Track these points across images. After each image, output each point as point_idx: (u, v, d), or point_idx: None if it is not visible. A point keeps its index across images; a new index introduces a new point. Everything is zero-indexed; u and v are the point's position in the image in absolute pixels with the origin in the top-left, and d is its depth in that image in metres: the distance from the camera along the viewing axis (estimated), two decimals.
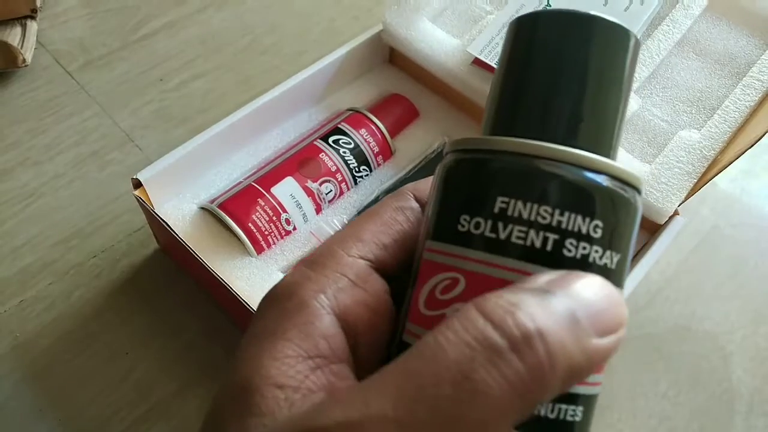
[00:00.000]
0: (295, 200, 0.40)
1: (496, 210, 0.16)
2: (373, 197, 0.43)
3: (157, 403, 0.39)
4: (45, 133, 0.50)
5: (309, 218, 0.41)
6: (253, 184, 0.40)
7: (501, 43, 0.19)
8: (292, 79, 0.44)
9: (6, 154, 0.48)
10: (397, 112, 0.47)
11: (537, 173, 0.16)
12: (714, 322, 0.46)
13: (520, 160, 0.16)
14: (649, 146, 0.43)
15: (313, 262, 0.18)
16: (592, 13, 0.17)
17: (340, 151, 0.42)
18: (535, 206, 0.15)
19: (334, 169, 0.42)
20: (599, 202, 0.16)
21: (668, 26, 0.44)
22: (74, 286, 0.43)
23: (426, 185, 0.20)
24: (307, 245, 0.40)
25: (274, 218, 0.39)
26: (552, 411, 0.15)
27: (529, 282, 0.15)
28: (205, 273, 0.37)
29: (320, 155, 0.42)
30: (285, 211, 0.40)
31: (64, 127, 0.50)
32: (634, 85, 0.43)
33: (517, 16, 0.18)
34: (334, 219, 0.42)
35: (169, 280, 0.43)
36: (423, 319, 0.17)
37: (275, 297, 0.18)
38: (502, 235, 0.16)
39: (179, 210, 0.41)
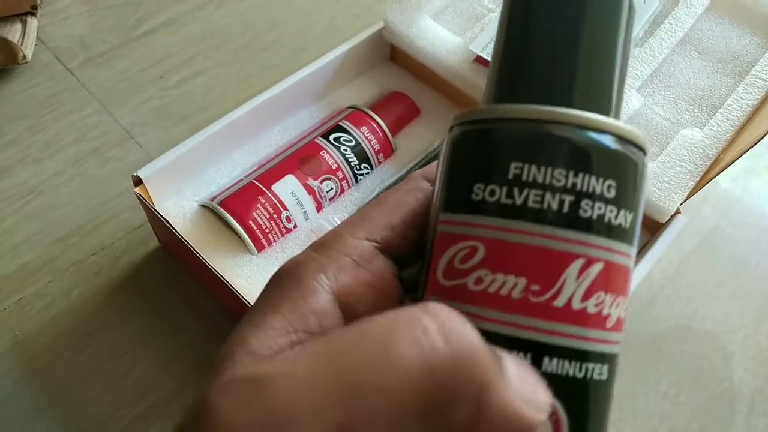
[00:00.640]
0: (295, 198, 0.40)
1: (510, 176, 0.16)
2: (374, 195, 0.43)
3: (156, 401, 0.38)
4: (45, 130, 0.50)
5: (310, 216, 0.41)
6: (253, 181, 0.40)
7: None
8: (293, 77, 0.44)
9: (6, 151, 0.48)
10: (399, 110, 0.47)
11: (548, 137, 0.16)
12: (715, 321, 0.46)
13: (530, 126, 0.16)
14: (651, 145, 0.43)
15: (319, 244, 0.18)
16: None
17: (341, 149, 0.42)
18: (549, 169, 0.16)
19: (335, 166, 0.42)
20: (610, 162, 0.16)
21: (670, 24, 0.44)
22: (74, 284, 0.42)
23: (435, 168, 0.20)
24: (307, 243, 0.40)
25: (275, 216, 0.39)
26: (580, 370, 0.15)
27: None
28: (205, 271, 0.37)
29: (321, 153, 0.42)
30: (286, 208, 0.40)
31: (64, 124, 0.50)
32: (636, 83, 0.43)
33: None
34: (335, 217, 0.42)
35: (169, 277, 0.43)
36: (442, 290, 0.17)
37: (278, 275, 0.18)
38: (519, 201, 0.16)
39: (180, 207, 0.40)
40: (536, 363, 0.15)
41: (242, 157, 0.44)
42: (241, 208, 0.39)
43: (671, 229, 0.40)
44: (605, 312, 0.16)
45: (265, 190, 0.39)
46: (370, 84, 0.49)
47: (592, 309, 0.16)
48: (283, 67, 0.55)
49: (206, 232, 0.40)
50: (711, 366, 0.44)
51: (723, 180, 0.53)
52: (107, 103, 0.52)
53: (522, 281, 0.15)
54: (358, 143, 0.43)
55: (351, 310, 0.17)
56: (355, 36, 0.47)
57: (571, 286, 0.15)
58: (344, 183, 0.42)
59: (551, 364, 0.15)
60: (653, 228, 0.41)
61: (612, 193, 0.16)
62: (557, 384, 0.15)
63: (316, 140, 0.42)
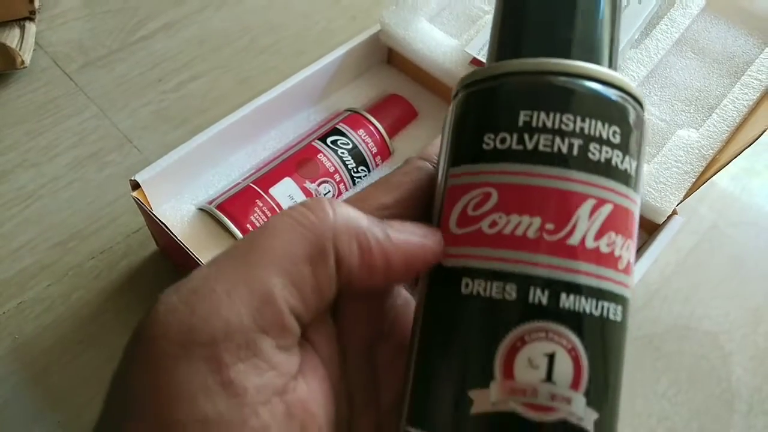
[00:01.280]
0: (293, 201, 0.40)
1: (520, 123, 0.17)
2: None
3: None
4: (43, 135, 0.50)
5: None
6: (251, 185, 0.40)
7: None
8: (290, 80, 0.44)
9: (4, 156, 0.48)
10: (396, 113, 0.47)
11: (555, 87, 0.17)
12: (713, 321, 0.46)
13: (537, 77, 0.17)
14: (648, 145, 0.43)
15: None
16: None
17: (339, 152, 0.42)
18: (558, 115, 0.16)
19: (332, 169, 0.42)
20: (612, 109, 0.17)
21: (666, 25, 0.44)
22: (73, 288, 0.43)
23: (434, 147, 0.20)
24: None
25: None
26: (596, 308, 0.16)
27: None
28: None
29: (318, 156, 0.42)
30: None
31: (62, 128, 0.50)
32: (633, 84, 0.43)
33: None
34: None
35: (167, 281, 0.43)
36: (455, 239, 0.17)
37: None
38: (530, 146, 0.16)
39: (178, 211, 0.41)
40: (553, 300, 0.16)
41: (240, 160, 0.44)
42: (238, 211, 0.39)
43: (668, 229, 0.40)
44: (617, 253, 0.16)
45: (262, 193, 0.40)
46: (367, 87, 0.49)
47: (604, 248, 0.16)
48: (280, 70, 0.55)
49: (204, 236, 0.40)
50: (709, 366, 0.44)
51: (720, 180, 0.53)
52: (105, 108, 0.52)
53: (537, 221, 0.16)
54: (355, 146, 0.43)
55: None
56: (352, 39, 0.47)
57: (584, 226, 0.16)
58: (341, 186, 0.42)
59: (568, 300, 0.16)
60: (650, 229, 0.42)
61: (617, 139, 0.17)
62: (574, 321, 0.16)
63: (313, 143, 0.43)
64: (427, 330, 0.17)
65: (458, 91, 0.19)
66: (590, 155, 0.16)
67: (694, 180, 0.39)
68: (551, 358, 0.15)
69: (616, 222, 0.16)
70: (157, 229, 0.40)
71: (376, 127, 0.44)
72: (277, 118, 0.45)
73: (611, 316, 0.16)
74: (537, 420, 0.15)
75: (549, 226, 0.16)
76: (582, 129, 0.16)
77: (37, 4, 0.53)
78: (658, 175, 0.40)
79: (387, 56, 0.51)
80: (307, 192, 0.41)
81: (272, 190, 0.40)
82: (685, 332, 0.45)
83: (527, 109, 0.17)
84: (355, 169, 0.43)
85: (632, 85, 0.17)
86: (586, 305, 0.16)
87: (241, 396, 0.14)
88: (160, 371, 0.14)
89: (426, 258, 0.17)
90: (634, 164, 0.17)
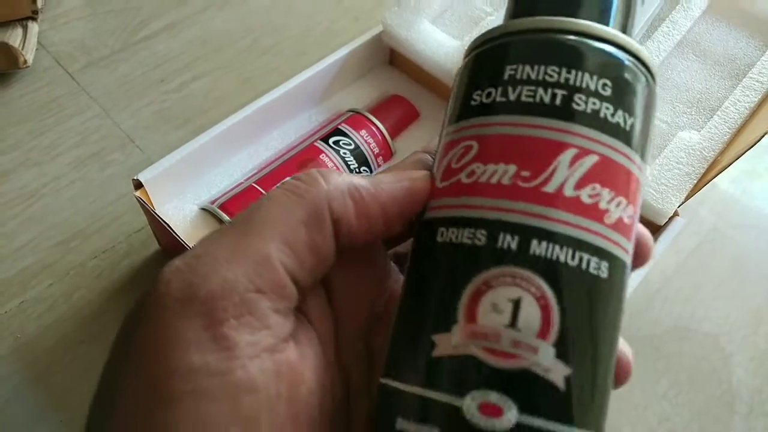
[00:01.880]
0: None
1: (505, 77, 0.17)
2: None
3: None
4: (46, 134, 0.50)
5: None
6: (253, 185, 0.40)
7: None
8: (292, 80, 0.44)
9: (7, 155, 0.48)
10: (398, 113, 0.47)
11: (540, 41, 0.17)
12: (714, 322, 0.46)
13: (524, 36, 0.17)
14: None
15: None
16: None
17: (341, 152, 0.42)
18: (542, 67, 0.16)
19: (334, 170, 0.42)
20: (602, 62, 0.17)
21: (668, 27, 0.45)
22: (75, 287, 0.43)
23: (436, 142, 0.21)
24: None
25: None
26: (573, 258, 0.15)
27: None
28: None
29: (320, 156, 0.42)
30: None
31: (65, 128, 0.50)
32: None
33: None
34: None
35: None
36: (438, 192, 0.17)
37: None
38: (512, 96, 0.17)
39: (180, 211, 0.41)
40: (524, 246, 0.15)
41: (242, 160, 0.44)
42: (241, 211, 0.39)
43: (669, 231, 0.40)
44: (602, 206, 0.16)
45: (265, 193, 0.40)
46: (369, 87, 0.49)
47: (586, 199, 0.16)
48: (282, 70, 0.56)
49: None
50: (710, 367, 0.44)
51: (721, 182, 0.53)
52: (108, 107, 0.52)
53: (512, 168, 0.16)
54: (357, 146, 0.43)
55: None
56: (354, 40, 0.47)
57: (563, 174, 0.16)
58: None
59: (540, 247, 0.15)
60: (651, 230, 0.42)
61: (608, 92, 0.16)
62: (546, 268, 0.15)
63: (315, 143, 0.43)
64: (406, 283, 0.17)
65: (459, 67, 0.19)
66: (575, 105, 0.16)
67: (695, 182, 0.39)
68: (516, 303, 0.15)
69: (602, 174, 0.16)
70: (159, 228, 0.40)
71: (378, 128, 0.44)
72: (279, 119, 0.45)
73: (592, 270, 0.16)
74: (497, 366, 0.14)
75: (524, 173, 0.16)
76: (567, 80, 0.16)
77: (39, 3, 0.53)
78: (659, 177, 0.40)
79: (389, 57, 0.51)
80: None
81: None
82: (685, 333, 0.45)
83: (512, 64, 0.17)
84: (357, 170, 0.43)
85: (631, 43, 0.17)
86: (561, 254, 0.15)
87: (231, 350, 0.14)
88: (159, 324, 0.15)
89: (415, 198, 0.18)
90: (630, 120, 0.17)
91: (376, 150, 0.44)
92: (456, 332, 0.15)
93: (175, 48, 0.56)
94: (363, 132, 0.44)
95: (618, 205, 0.16)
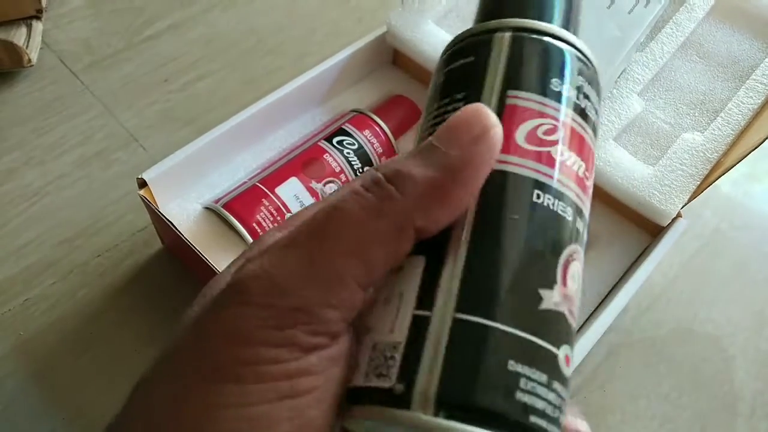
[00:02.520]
0: (299, 201, 0.40)
1: (578, 84, 0.19)
2: None
3: None
4: (50, 133, 0.50)
5: None
6: (257, 184, 0.40)
7: None
8: (296, 80, 0.44)
9: (11, 154, 0.48)
10: (401, 114, 0.47)
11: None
12: (716, 324, 0.46)
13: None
14: (653, 148, 0.43)
15: None
16: None
17: (344, 152, 0.43)
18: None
19: (338, 169, 0.42)
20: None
21: (672, 29, 0.45)
22: (78, 286, 0.43)
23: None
24: None
25: (279, 218, 0.40)
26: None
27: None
28: (209, 273, 0.37)
29: (324, 156, 0.42)
30: (289, 211, 0.40)
31: (68, 126, 0.50)
32: (638, 87, 0.43)
33: None
34: None
35: (173, 279, 0.43)
36: (525, 152, 0.18)
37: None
38: (581, 105, 0.19)
39: (184, 210, 0.41)
40: (585, 232, 0.19)
41: (246, 160, 0.44)
42: (244, 210, 0.39)
43: (672, 232, 0.40)
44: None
45: (268, 192, 0.40)
46: (372, 88, 0.49)
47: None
48: (286, 70, 0.56)
49: (210, 235, 0.40)
50: (712, 369, 0.44)
51: (724, 184, 0.53)
52: (112, 107, 0.52)
53: (583, 165, 0.19)
54: (360, 146, 0.43)
55: None
56: (358, 40, 0.47)
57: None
58: None
59: (587, 231, 0.19)
60: (654, 231, 0.42)
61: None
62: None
63: (319, 143, 0.43)
64: (487, 224, 0.18)
65: (502, 29, 0.20)
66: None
67: (698, 183, 0.40)
68: (580, 277, 0.18)
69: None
70: (163, 227, 0.40)
71: (381, 128, 0.44)
72: (283, 118, 0.45)
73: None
74: (574, 326, 0.18)
75: (587, 173, 0.19)
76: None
77: (44, 2, 0.53)
78: (662, 178, 0.40)
79: (393, 57, 0.51)
80: (312, 192, 0.41)
81: (278, 190, 0.40)
82: (688, 335, 0.45)
83: (582, 78, 0.19)
84: (360, 170, 0.43)
85: (563, 32, 0.19)
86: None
87: (295, 345, 0.16)
88: (237, 316, 0.16)
89: (491, 158, 0.18)
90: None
91: (380, 150, 0.44)
92: (556, 291, 0.17)
93: (180, 48, 0.56)
94: (367, 132, 0.44)
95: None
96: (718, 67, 0.45)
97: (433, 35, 0.46)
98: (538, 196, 0.18)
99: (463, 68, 0.20)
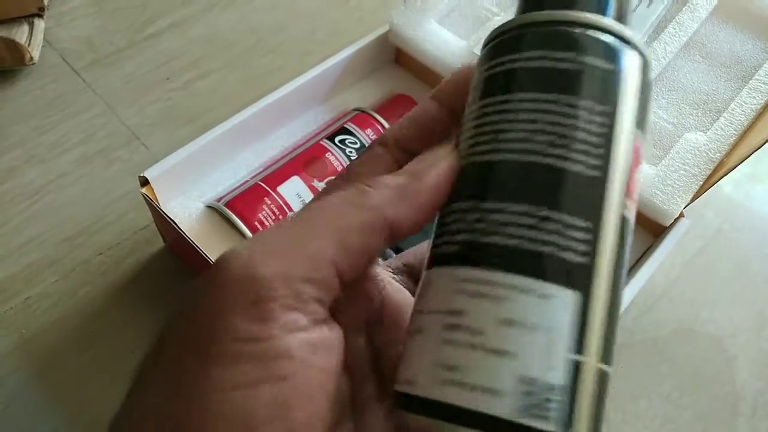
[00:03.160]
0: (301, 199, 0.40)
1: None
2: None
3: None
4: (51, 131, 0.50)
5: None
6: (259, 183, 0.40)
7: None
8: (298, 79, 0.44)
9: (12, 152, 0.48)
10: (403, 112, 0.46)
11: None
12: (718, 324, 0.46)
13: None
14: (655, 148, 0.43)
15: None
16: None
17: (346, 151, 0.42)
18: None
19: (340, 168, 0.42)
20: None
21: (675, 29, 0.45)
22: (80, 284, 0.43)
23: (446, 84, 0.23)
24: None
25: (281, 217, 0.40)
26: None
27: None
28: None
29: (326, 155, 0.42)
30: (291, 209, 0.40)
31: (70, 125, 0.50)
32: None
33: None
34: None
35: (174, 278, 0.43)
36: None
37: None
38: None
39: (186, 208, 0.41)
40: None
41: (248, 158, 0.44)
42: (246, 209, 0.39)
43: (674, 232, 0.40)
44: None
45: (270, 191, 0.40)
46: (374, 86, 0.49)
47: None
48: (288, 69, 0.56)
49: (212, 233, 0.40)
50: (713, 369, 0.44)
51: (726, 184, 0.53)
52: (113, 105, 0.52)
53: None
54: (363, 145, 0.43)
55: None
56: (360, 39, 0.47)
57: None
58: None
59: None
60: (657, 231, 0.42)
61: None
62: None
63: (321, 142, 0.43)
64: (617, 269, 0.19)
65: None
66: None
67: (701, 183, 0.40)
68: None
69: None
70: (164, 225, 0.40)
71: (383, 127, 0.44)
72: (285, 117, 0.45)
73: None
74: None
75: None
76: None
77: (46, 0, 0.53)
78: (665, 178, 0.40)
79: (395, 56, 0.51)
80: (314, 191, 0.41)
81: (280, 189, 0.40)
82: (689, 335, 0.45)
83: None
84: None
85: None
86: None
87: (274, 321, 0.16)
88: (210, 298, 0.16)
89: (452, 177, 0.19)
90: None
91: None
92: None
93: (181, 46, 0.56)
94: (369, 131, 0.44)
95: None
96: (721, 67, 0.45)
97: (435, 34, 0.46)
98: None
99: (597, 73, 0.18)
